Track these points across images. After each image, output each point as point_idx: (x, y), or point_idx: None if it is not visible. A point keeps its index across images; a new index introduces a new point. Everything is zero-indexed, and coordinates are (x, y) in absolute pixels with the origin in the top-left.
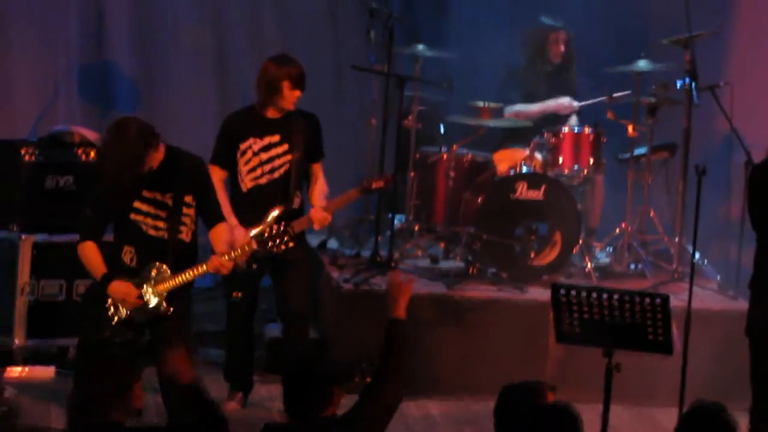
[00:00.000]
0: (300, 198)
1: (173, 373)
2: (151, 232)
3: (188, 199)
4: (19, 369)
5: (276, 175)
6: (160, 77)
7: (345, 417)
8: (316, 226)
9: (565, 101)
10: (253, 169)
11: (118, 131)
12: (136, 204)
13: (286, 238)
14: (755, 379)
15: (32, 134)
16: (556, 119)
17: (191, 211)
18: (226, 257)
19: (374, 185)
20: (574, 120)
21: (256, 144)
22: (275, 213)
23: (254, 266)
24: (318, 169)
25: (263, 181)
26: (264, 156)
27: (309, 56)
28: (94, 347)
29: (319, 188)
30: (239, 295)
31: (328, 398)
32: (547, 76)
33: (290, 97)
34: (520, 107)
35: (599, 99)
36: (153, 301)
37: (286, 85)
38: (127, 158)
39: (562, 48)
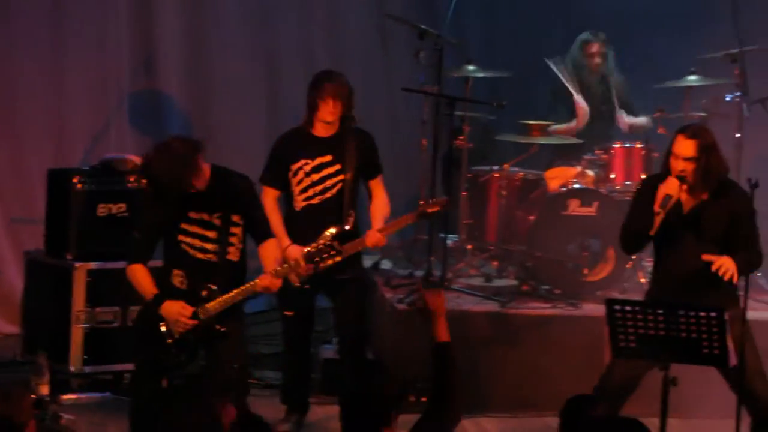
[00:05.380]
0: (354, 218)
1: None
2: (199, 255)
3: (236, 218)
4: (75, 396)
5: (328, 194)
6: (211, 106)
7: None
8: (369, 246)
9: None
10: (304, 190)
11: (160, 149)
12: (184, 225)
13: (332, 253)
14: None
15: (83, 163)
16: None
17: (239, 230)
18: (275, 274)
19: (430, 210)
20: (643, 119)
21: (308, 165)
22: (330, 233)
23: (306, 286)
24: (377, 186)
25: (316, 201)
26: (315, 176)
27: (360, 80)
28: (148, 370)
29: (379, 209)
30: (291, 313)
31: (387, 420)
32: (588, 90)
33: (325, 110)
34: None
35: (642, 119)
36: (205, 322)
37: (318, 98)
38: (171, 174)
39: (597, 60)
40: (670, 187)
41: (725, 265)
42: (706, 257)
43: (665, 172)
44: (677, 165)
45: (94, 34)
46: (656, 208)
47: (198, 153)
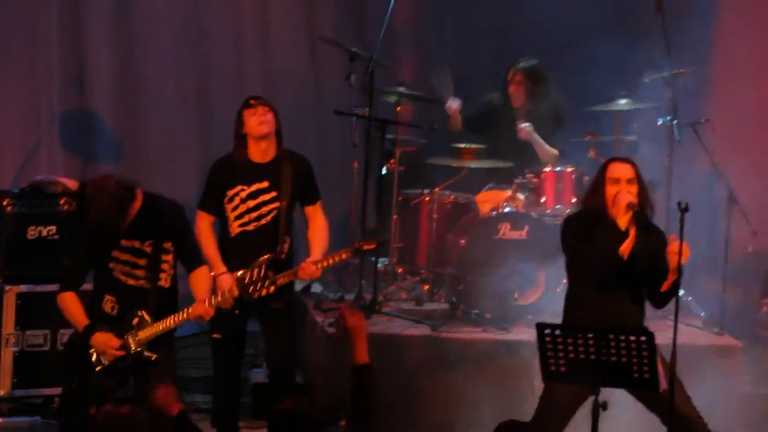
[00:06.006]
0: (289, 244)
1: (161, 408)
2: (131, 281)
3: (167, 245)
4: (4, 420)
5: (263, 221)
6: (142, 126)
7: None
8: (303, 278)
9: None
10: (240, 216)
11: (95, 190)
12: (115, 253)
13: (267, 283)
14: None
15: (14, 185)
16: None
17: (170, 257)
18: (208, 304)
19: (366, 247)
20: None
21: (244, 191)
22: (264, 259)
23: (236, 311)
24: (315, 212)
25: (251, 227)
26: (251, 203)
27: (291, 102)
28: (77, 396)
29: (318, 236)
30: (219, 336)
31: None
32: (508, 120)
33: (254, 120)
34: None
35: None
36: (136, 350)
37: (244, 112)
38: (105, 218)
39: (512, 87)
40: (625, 196)
41: (686, 251)
42: (671, 238)
43: (595, 207)
44: (621, 189)
45: (24, 52)
46: (624, 215)
47: (132, 201)
